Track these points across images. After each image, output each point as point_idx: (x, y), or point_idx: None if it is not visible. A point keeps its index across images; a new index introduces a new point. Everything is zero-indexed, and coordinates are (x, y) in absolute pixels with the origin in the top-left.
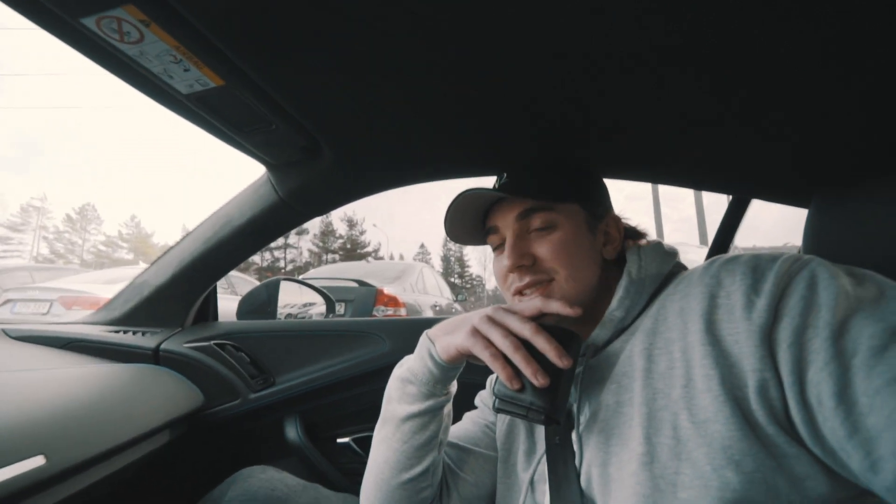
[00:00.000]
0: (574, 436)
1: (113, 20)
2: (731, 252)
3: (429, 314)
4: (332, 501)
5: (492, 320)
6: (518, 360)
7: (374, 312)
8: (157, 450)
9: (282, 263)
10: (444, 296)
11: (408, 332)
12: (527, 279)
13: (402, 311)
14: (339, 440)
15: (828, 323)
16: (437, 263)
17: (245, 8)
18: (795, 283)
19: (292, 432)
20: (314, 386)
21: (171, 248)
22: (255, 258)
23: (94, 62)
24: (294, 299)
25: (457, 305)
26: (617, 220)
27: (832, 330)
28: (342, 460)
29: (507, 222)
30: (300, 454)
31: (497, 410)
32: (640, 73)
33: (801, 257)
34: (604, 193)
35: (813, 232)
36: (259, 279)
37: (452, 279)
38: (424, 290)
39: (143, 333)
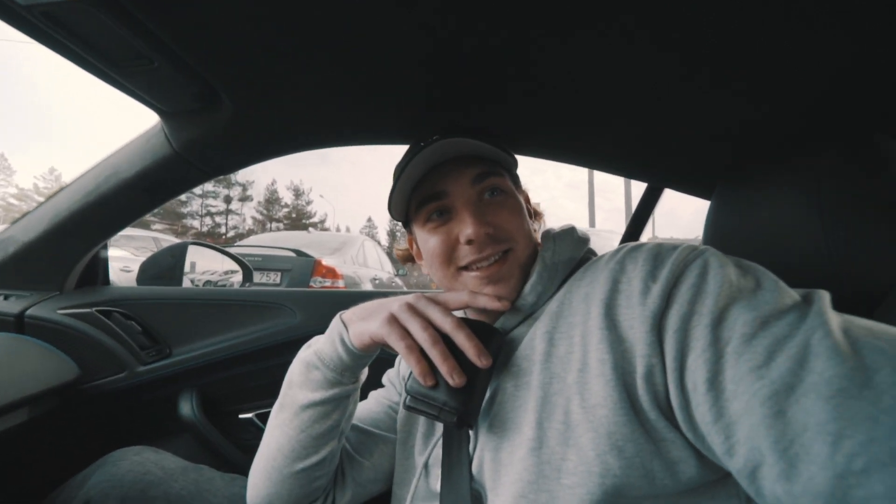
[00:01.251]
0: None
1: None
2: (649, 241)
3: (368, 287)
4: (216, 483)
5: (412, 309)
6: (435, 355)
7: (312, 283)
8: (11, 429)
9: (223, 230)
10: (384, 270)
11: (320, 305)
12: (488, 250)
13: (340, 283)
14: (241, 415)
15: (710, 310)
16: (384, 238)
17: None
18: (689, 270)
19: (186, 407)
20: (216, 358)
21: (45, 200)
22: (195, 223)
23: None
24: (214, 266)
25: (397, 279)
26: (527, 195)
27: (712, 318)
28: (244, 436)
29: (460, 187)
30: (194, 430)
31: (407, 408)
32: (561, 41)
33: (698, 247)
34: None
35: (714, 222)
36: None
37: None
38: (365, 264)
39: (7, 297)
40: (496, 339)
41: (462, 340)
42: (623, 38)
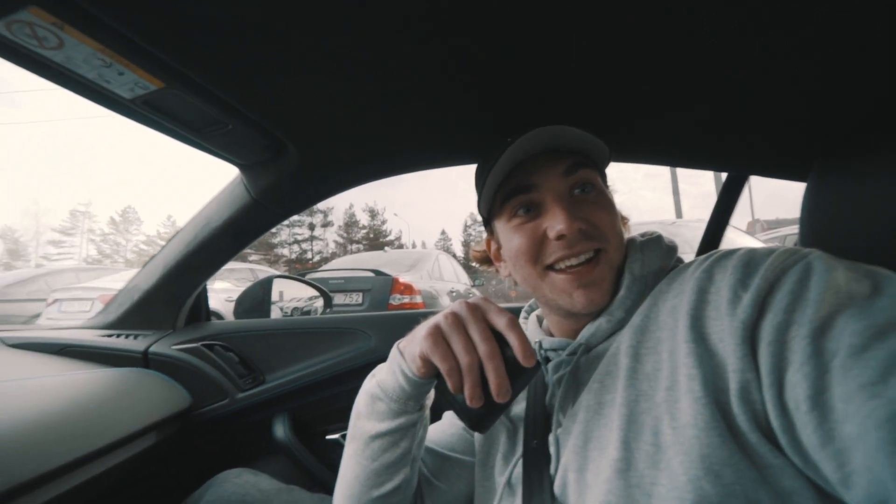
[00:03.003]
0: (552, 438)
1: (24, 25)
2: (748, 226)
3: (446, 300)
4: None
5: (457, 321)
6: (467, 382)
7: (391, 301)
8: (143, 451)
9: (309, 255)
10: (461, 281)
11: (391, 327)
12: (578, 247)
13: (418, 298)
14: (328, 437)
15: (810, 319)
16: (459, 249)
17: (164, 6)
18: (787, 276)
19: (280, 430)
20: (303, 383)
21: (158, 252)
22: (284, 251)
23: (30, 72)
24: (300, 293)
25: (475, 290)
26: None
27: (814, 327)
28: (332, 456)
29: (550, 180)
30: (288, 452)
31: (436, 389)
32: (620, 40)
33: (800, 250)
34: None
35: (811, 208)
36: (289, 271)
37: (473, 264)
38: (441, 277)
39: (135, 337)
40: (531, 373)
41: (490, 372)
42: (702, 12)
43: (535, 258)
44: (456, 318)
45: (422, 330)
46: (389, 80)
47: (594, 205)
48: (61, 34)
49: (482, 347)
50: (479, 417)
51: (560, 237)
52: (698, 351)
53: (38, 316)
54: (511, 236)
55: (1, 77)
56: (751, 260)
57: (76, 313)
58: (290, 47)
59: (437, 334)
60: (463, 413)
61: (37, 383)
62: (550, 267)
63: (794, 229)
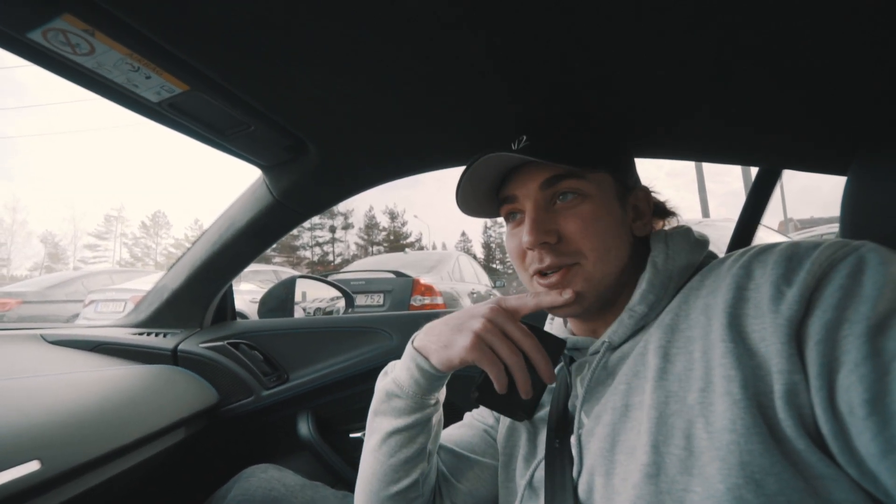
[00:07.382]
0: (573, 440)
1: (58, 32)
2: (779, 225)
3: (466, 302)
4: (330, 501)
5: (495, 328)
6: (518, 377)
7: (412, 302)
8: (173, 446)
9: (331, 257)
10: (481, 283)
11: (413, 327)
12: (548, 260)
13: (439, 300)
14: (351, 435)
15: (865, 316)
16: (479, 250)
17: (190, 10)
18: (837, 270)
19: (304, 428)
20: (326, 382)
21: (185, 252)
22: (307, 253)
23: (62, 78)
24: (322, 294)
25: (495, 292)
26: (647, 192)
27: (869, 325)
28: (355, 454)
29: (527, 191)
30: (311, 449)
31: (477, 401)
32: (650, 27)
33: (849, 242)
34: (632, 162)
35: (852, 203)
36: (311, 273)
37: (494, 265)
38: (461, 278)
39: (165, 335)
40: (561, 350)
41: (538, 361)
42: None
43: (522, 264)
44: (493, 325)
45: (460, 338)
46: (409, 77)
47: (572, 215)
48: (92, 40)
49: (526, 343)
50: (528, 405)
51: (531, 248)
52: (737, 351)
53: (76, 316)
54: (507, 240)
55: (28, 87)
56: (794, 253)
57: (110, 313)
58: (310, 47)
59: (481, 343)
60: (511, 408)
61: (74, 378)
62: (536, 272)
63: (831, 228)
